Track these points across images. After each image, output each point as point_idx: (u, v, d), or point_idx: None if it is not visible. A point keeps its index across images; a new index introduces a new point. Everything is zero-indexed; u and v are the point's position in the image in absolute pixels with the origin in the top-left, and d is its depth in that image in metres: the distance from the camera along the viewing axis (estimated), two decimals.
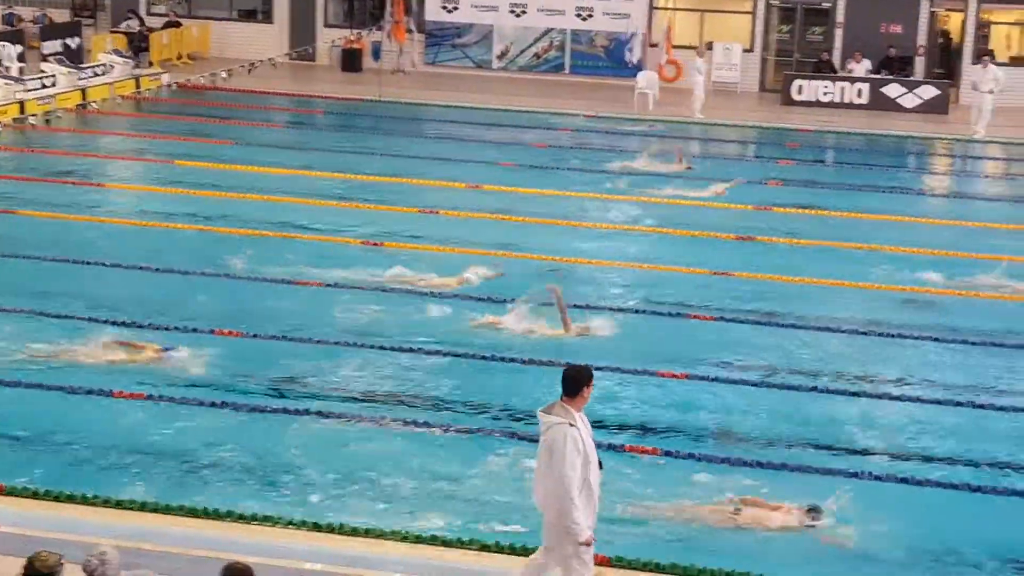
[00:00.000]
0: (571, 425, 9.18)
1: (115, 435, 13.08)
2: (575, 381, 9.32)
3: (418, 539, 10.97)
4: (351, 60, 38.83)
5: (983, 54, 35.01)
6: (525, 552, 10.44)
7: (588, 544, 9.32)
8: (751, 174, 26.88)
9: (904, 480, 12.54)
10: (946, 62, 37.81)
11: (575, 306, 17.16)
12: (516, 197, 24.13)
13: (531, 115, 32.79)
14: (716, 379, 15.08)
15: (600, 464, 9.45)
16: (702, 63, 33.80)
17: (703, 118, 32.94)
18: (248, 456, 12.77)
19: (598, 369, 14.82)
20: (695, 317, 17.25)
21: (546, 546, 9.57)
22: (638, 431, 13.72)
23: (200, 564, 9.98)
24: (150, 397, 13.89)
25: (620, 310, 17.44)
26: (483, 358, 15.55)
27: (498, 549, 10.84)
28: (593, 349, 15.79)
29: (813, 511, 11.54)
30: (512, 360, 15.41)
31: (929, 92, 35.25)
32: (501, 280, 18.43)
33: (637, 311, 17.53)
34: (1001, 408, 14.54)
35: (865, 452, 13.36)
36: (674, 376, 15.06)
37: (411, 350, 15.68)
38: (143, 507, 11.34)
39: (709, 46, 36.35)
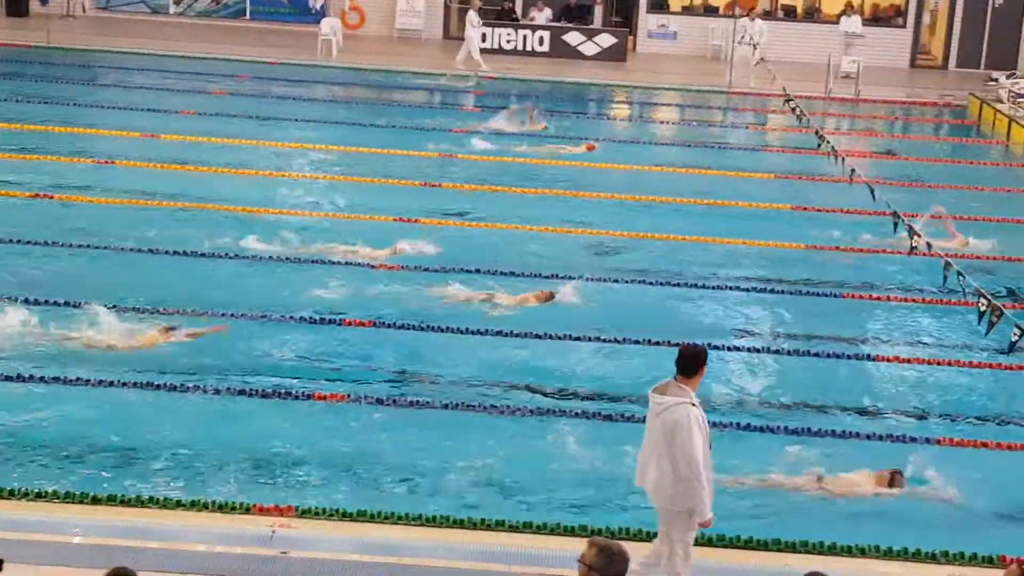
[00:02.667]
0: (693, 404, 8.84)
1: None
2: (694, 359, 8.93)
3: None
4: (16, 3, 36.77)
5: (750, 9, 35.97)
6: None
7: (708, 524, 9.06)
8: (439, 121, 26.93)
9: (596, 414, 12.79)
10: (623, 11, 38.76)
11: (252, 257, 16.89)
12: (196, 146, 23.39)
13: (211, 62, 31.86)
14: (401, 326, 15.00)
15: (711, 445, 9.10)
16: (475, 15, 33.53)
17: (474, 70, 32.86)
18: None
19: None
20: (380, 267, 17.08)
21: (663, 531, 9.25)
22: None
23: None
24: None
25: (298, 260, 17.13)
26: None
27: None
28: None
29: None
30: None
31: (608, 40, 36.07)
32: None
33: (320, 262, 17.23)
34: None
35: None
36: (360, 324, 14.89)
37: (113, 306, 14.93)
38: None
39: None
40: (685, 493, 8.93)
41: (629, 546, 7.03)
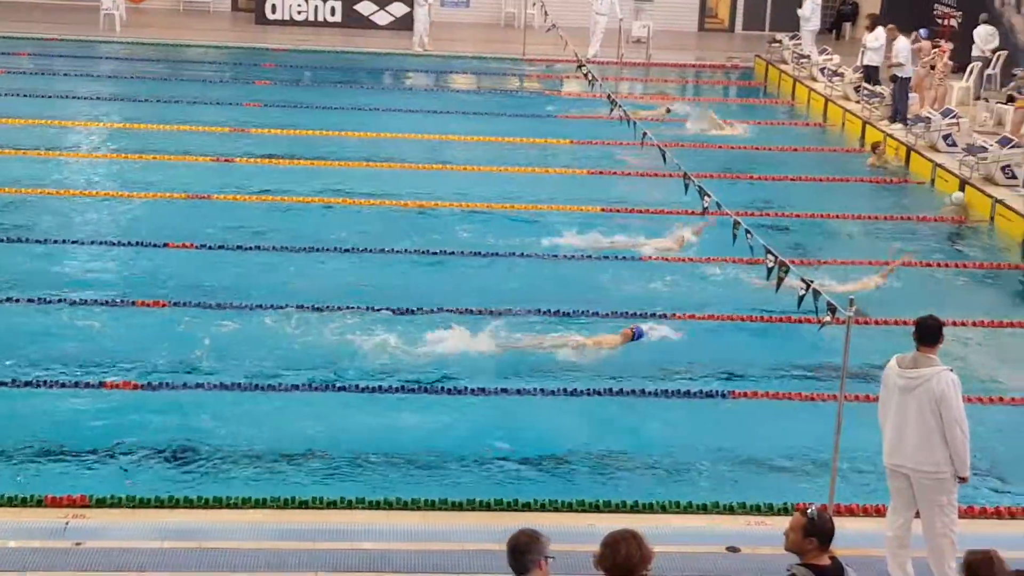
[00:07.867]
0: (950, 370, 9.26)
1: None
2: (936, 329, 9.39)
3: None
4: None
5: None
6: None
7: (967, 480, 9.38)
8: (227, 96, 26.44)
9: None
10: None
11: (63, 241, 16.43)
12: None
13: None
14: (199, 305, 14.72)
15: None
16: None
17: (430, 51, 32.22)
18: None
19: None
20: (173, 246, 16.71)
21: (903, 504, 9.52)
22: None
23: None
24: None
25: (100, 242, 16.67)
26: None
27: None
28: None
29: None
30: None
31: (401, 9, 35.77)
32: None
33: (119, 243, 16.80)
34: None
35: None
36: (159, 305, 14.56)
37: None
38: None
39: None
40: (951, 455, 9.22)
41: None
